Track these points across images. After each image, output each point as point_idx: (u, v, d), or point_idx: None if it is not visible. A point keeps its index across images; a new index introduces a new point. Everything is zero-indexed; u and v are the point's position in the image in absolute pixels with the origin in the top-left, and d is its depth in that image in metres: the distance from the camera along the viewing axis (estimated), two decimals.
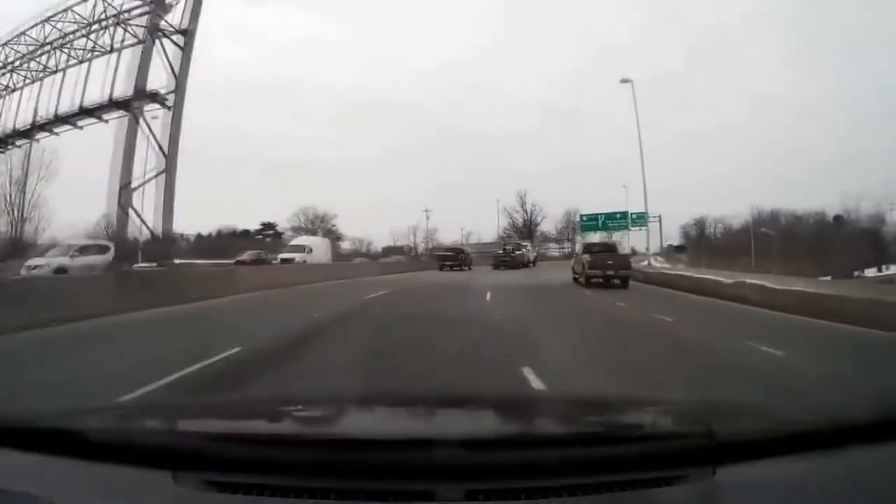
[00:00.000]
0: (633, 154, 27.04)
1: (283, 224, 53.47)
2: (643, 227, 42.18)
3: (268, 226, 51.37)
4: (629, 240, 37.32)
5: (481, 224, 79.04)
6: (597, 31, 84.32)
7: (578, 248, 23.61)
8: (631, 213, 42.32)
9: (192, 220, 54.25)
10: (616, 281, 16.62)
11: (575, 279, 18.86)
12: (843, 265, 33.55)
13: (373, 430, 1.37)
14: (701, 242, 57.50)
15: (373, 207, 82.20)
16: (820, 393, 4.17)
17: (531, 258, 40.79)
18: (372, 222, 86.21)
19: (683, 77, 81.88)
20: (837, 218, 48.27)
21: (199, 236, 40.04)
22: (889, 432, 1.16)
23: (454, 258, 33.06)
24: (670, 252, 45.89)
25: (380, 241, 64.00)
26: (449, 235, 65.56)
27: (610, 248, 19.47)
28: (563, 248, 68.76)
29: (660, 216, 41.19)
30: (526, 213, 68.05)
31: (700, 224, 61.06)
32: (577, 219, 55.63)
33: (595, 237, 33.91)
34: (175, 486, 1.00)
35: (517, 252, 36.52)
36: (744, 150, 73.82)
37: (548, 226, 68.07)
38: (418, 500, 0.97)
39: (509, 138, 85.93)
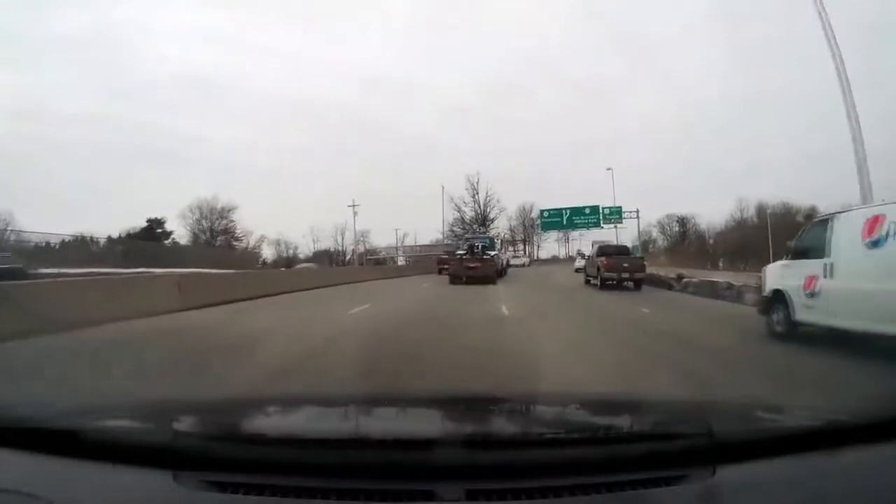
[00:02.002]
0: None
1: (172, 222, 43.02)
2: (618, 225, 35.81)
3: (155, 222, 40.55)
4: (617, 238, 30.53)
5: (418, 225, 70.23)
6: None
7: (590, 251, 23.28)
8: (603, 208, 35.83)
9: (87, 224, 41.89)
10: (629, 284, 17.46)
11: (587, 281, 20.32)
12: None
13: (373, 430, 1.39)
14: (684, 240, 52.73)
15: (292, 207, 73.11)
16: (820, 393, 4.15)
17: (504, 263, 29.03)
18: (293, 222, 76.39)
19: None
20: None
21: (109, 239, 31.14)
22: (888, 433, 1.16)
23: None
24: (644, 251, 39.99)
25: (305, 244, 55.37)
26: (383, 238, 57.19)
27: (624, 252, 20.08)
28: (516, 252, 55.74)
29: (637, 210, 35.08)
30: (478, 204, 53.86)
31: (681, 221, 55.00)
32: (536, 214, 48.52)
33: (553, 237, 27.43)
34: (175, 486, 1.00)
35: (490, 254, 23.13)
36: (700, 149, 69.91)
37: (502, 223, 56.51)
38: (418, 500, 0.96)
39: (449, 133, 79.13)
